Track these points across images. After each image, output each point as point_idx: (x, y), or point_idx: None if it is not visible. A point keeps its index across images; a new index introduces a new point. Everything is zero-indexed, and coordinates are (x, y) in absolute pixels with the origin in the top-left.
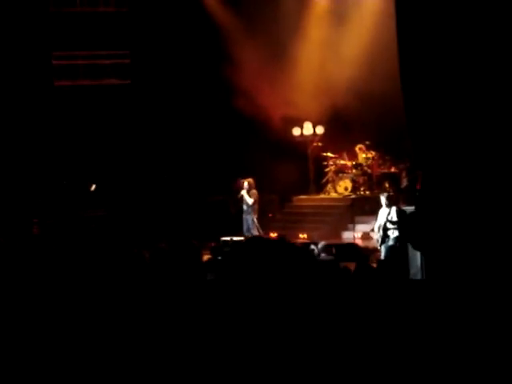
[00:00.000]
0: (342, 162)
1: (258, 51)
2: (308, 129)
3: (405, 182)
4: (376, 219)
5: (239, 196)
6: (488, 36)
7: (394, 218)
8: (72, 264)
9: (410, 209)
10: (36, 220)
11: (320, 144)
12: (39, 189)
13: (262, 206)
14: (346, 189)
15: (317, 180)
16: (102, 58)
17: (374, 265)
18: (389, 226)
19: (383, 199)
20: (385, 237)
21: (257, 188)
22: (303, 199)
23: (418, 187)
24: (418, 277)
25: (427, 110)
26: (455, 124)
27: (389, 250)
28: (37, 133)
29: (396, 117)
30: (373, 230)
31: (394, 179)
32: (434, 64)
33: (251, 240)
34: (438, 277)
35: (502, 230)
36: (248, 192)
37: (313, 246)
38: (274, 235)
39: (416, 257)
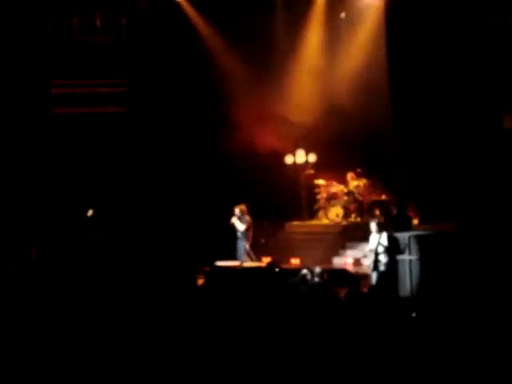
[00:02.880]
0: (334, 189)
1: (252, 79)
2: (301, 156)
3: (394, 210)
4: (368, 244)
5: (231, 223)
6: (473, 65)
7: (385, 243)
8: (70, 288)
9: (400, 235)
10: (34, 244)
11: (312, 172)
12: (37, 213)
13: (255, 232)
14: (337, 215)
15: (309, 207)
16: (100, 87)
17: (365, 290)
18: (379, 250)
19: (373, 226)
20: (376, 262)
21: (250, 214)
22: (295, 225)
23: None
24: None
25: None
26: (441, 146)
27: (380, 275)
28: (35, 159)
29: (388, 144)
30: (364, 256)
31: (384, 206)
32: (424, 89)
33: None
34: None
35: (485, 255)
36: (240, 218)
37: (305, 271)
38: (266, 260)
39: (406, 282)
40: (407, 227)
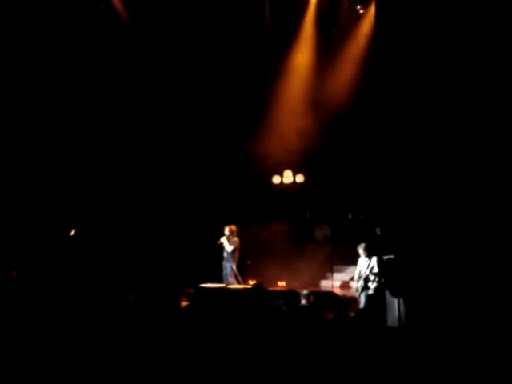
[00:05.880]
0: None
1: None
2: (288, 177)
3: (378, 231)
4: (356, 268)
5: (219, 243)
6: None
7: (376, 269)
8: (51, 307)
9: (387, 257)
10: (15, 263)
11: (300, 192)
12: (19, 232)
13: (242, 254)
14: (325, 237)
15: (296, 228)
16: None
17: (352, 314)
18: (370, 276)
19: (361, 250)
20: (365, 286)
21: (239, 236)
22: (283, 247)
23: (391, 234)
24: (396, 326)
25: (405, 153)
26: (432, 166)
27: (368, 299)
28: (17, 176)
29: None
30: (352, 279)
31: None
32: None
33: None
34: (418, 322)
35: (477, 273)
36: (229, 239)
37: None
38: (252, 282)
39: (393, 307)
40: (389, 248)
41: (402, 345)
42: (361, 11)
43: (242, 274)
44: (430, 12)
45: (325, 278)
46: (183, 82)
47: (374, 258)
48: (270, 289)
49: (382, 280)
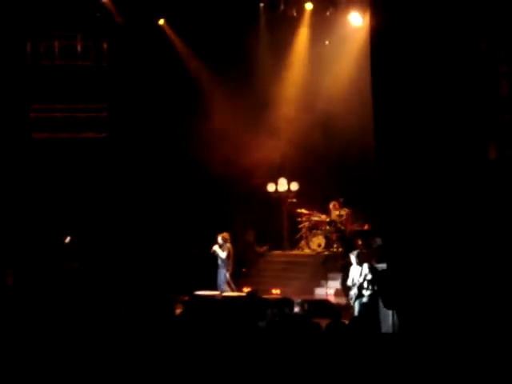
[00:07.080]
0: (316, 218)
1: (234, 107)
2: (283, 185)
3: (378, 241)
4: (348, 276)
5: (211, 251)
6: (460, 87)
7: (369, 277)
8: (46, 315)
9: (381, 266)
10: (10, 271)
11: (294, 200)
12: (14, 239)
13: (236, 261)
14: (319, 245)
15: (291, 236)
16: (80, 112)
17: (346, 321)
18: (364, 284)
19: (353, 258)
20: (359, 294)
21: (232, 243)
22: (277, 255)
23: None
24: (390, 333)
25: (398, 163)
26: (425, 177)
27: (362, 306)
28: (13, 184)
29: (371, 173)
30: (344, 285)
31: (365, 237)
32: (407, 114)
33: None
34: (410, 333)
35: (471, 283)
36: (222, 246)
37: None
38: (246, 290)
39: (388, 314)
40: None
41: (396, 351)
42: (355, 23)
43: (237, 281)
44: (427, 26)
45: (319, 285)
46: (182, 85)
47: (366, 266)
48: (264, 296)
49: (376, 288)
